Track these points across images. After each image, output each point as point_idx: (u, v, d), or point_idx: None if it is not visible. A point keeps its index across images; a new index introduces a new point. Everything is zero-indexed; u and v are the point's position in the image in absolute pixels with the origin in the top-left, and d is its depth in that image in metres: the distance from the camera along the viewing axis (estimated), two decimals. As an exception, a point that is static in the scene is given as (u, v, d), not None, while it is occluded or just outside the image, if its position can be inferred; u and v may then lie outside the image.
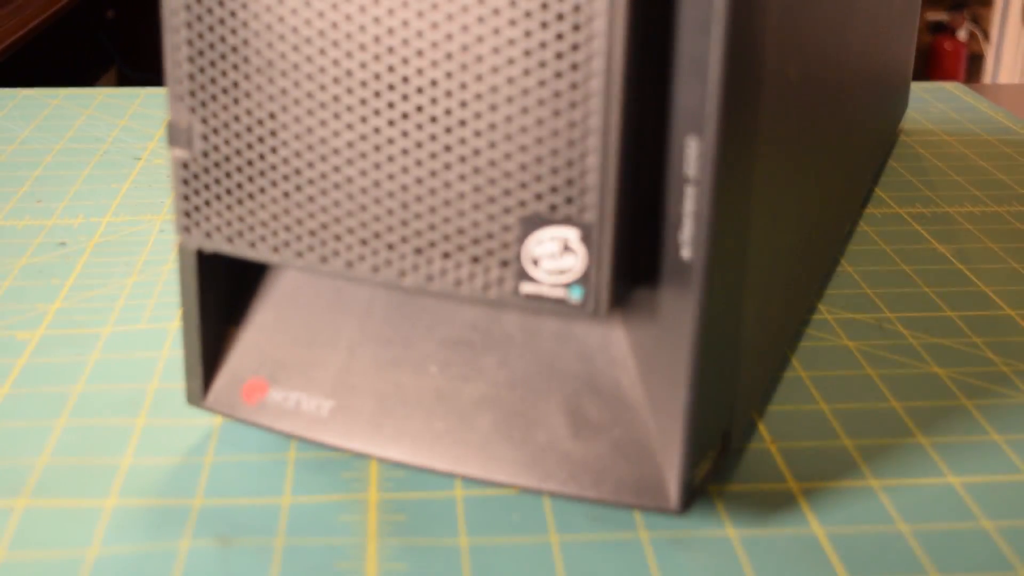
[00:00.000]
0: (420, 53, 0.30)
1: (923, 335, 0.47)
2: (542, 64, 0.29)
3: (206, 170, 0.34)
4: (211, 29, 0.33)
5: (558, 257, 0.31)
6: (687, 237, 0.31)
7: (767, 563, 0.34)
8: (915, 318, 0.48)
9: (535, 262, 0.31)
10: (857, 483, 0.37)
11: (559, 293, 0.31)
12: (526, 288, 0.31)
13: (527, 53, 0.29)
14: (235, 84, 0.33)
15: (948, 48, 1.85)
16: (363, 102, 0.31)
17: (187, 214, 0.35)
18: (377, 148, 0.32)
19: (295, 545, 0.34)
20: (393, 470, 0.38)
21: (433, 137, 0.31)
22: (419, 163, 0.31)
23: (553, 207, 0.30)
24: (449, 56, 0.30)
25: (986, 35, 1.82)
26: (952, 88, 0.84)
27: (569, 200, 0.30)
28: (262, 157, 0.33)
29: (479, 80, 0.30)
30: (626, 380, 0.34)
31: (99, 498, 0.36)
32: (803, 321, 0.48)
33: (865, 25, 0.48)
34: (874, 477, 0.38)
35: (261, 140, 0.33)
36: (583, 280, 0.31)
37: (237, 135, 0.33)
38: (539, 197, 0.31)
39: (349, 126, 0.32)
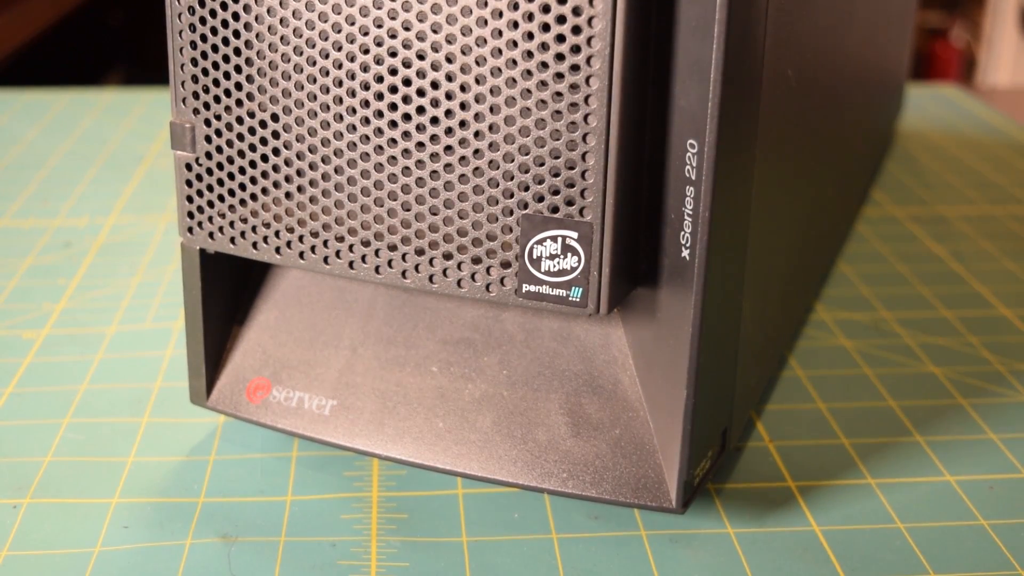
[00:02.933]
0: (422, 55, 0.31)
1: (919, 335, 0.47)
2: (543, 66, 0.30)
3: (209, 171, 0.34)
4: (214, 31, 0.33)
5: (559, 257, 0.31)
6: (687, 237, 0.31)
7: (766, 560, 0.34)
8: (911, 318, 0.49)
9: (536, 262, 0.31)
10: (854, 481, 0.38)
11: (560, 293, 0.32)
12: (527, 288, 0.32)
13: (528, 55, 0.30)
14: (238, 86, 0.33)
15: (942, 51, 1.85)
16: (365, 104, 0.32)
17: (191, 215, 0.35)
18: (379, 149, 0.32)
19: (297, 543, 0.34)
20: (395, 469, 0.38)
21: (435, 138, 0.31)
22: (421, 164, 0.32)
23: (554, 208, 0.31)
24: (451, 58, 0.30)
25: (980, 38, 1.82)
26: (947, 91, 0.85)
27: (570, 201, 0.31)
28: (265, 158, 0.34)
29: (480, 82, 0.30)
30: (626, 379, 0.35)
31: (103, 496, 0.36)
32: (801, 321, 0.48)
33: (861, 28, 0.48)
34: (871, 475, 0.38)
35: (264, 141, 0.33)
36: (583, 280, 0.31)
37: (240, 136, 0.34)
38: (540, 198, 0.31)
39: (352, 127, 0.32)
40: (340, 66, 0.32)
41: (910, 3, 0.65)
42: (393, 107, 0.31)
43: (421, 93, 0.31)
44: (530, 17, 0.29)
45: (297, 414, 0.37)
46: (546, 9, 0.29)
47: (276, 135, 0.33)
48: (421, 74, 0.31)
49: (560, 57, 0.29)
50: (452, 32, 0.30)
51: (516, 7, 0.29)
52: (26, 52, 1.26)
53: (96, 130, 0.73)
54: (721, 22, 0.29)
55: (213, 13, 0.33)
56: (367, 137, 0.32)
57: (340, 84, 0.32)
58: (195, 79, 0.34)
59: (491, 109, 0.30)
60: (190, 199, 0.35)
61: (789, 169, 0.39)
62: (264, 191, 0.34)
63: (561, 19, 0.29)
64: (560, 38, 0.29)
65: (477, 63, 0.30)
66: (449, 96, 0.31)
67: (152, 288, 0.51)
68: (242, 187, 0.34)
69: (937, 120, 0.77)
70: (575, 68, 0.29)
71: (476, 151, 0.31)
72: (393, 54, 0.31)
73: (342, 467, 0.38)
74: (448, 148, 0.31)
